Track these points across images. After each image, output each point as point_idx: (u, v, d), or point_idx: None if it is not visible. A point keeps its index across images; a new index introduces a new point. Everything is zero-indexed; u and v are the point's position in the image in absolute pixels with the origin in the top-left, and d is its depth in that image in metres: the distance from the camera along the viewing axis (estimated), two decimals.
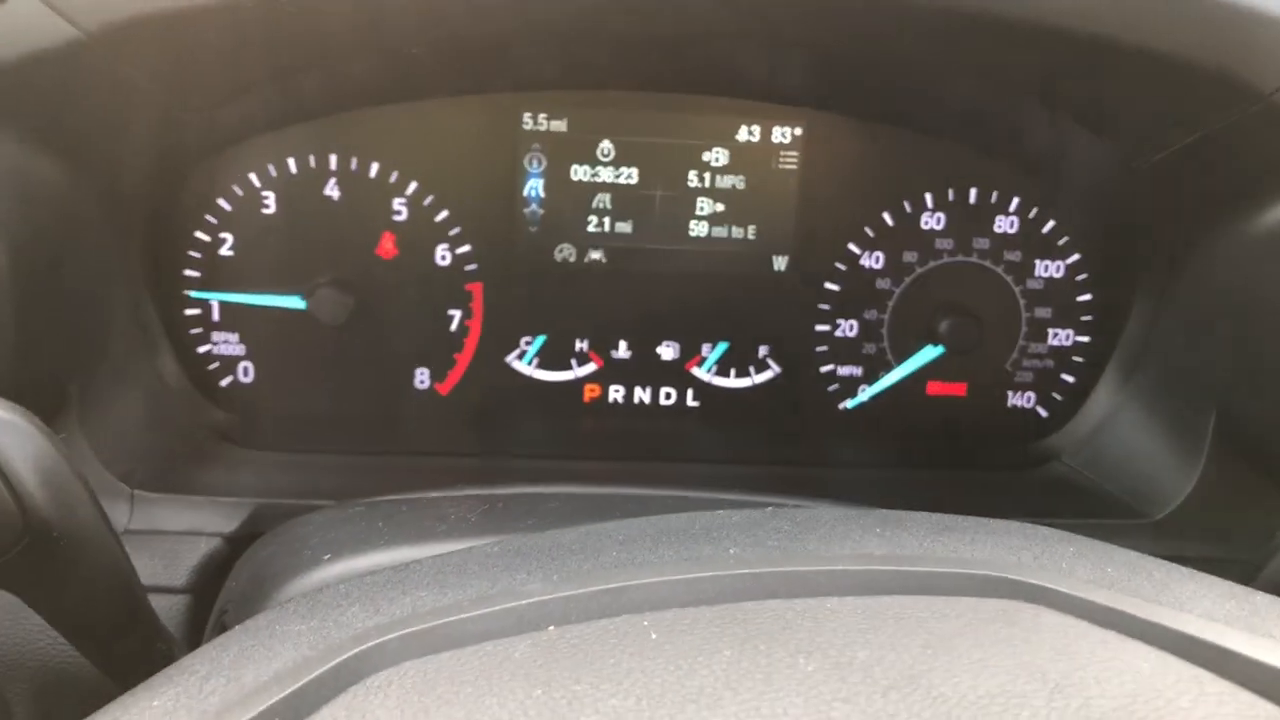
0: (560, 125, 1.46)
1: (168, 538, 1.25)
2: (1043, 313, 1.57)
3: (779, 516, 0.84)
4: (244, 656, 0.65)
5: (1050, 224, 1.54)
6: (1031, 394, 1.61)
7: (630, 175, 1.49)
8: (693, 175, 1.49)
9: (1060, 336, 1.58)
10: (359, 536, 0.99)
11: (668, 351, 1.57)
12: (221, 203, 1.44)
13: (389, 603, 0.71)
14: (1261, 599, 0.74)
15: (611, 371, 1.57)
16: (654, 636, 0.63)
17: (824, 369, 1.59)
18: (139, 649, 0.89)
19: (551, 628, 0.65)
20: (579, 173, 1.48)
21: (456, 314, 1.52)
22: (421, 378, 1.54)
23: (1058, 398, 1.61)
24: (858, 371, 1.59)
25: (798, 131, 1.48)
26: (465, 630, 0.66)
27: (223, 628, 1.00)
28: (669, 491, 1.13)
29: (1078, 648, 0.63)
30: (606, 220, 1.50)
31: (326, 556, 0.95)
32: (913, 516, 0.86)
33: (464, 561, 0.78)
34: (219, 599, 1.07)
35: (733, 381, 1.59)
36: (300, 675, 0.60)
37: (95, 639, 0.86)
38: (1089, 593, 0.71)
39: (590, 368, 1.57)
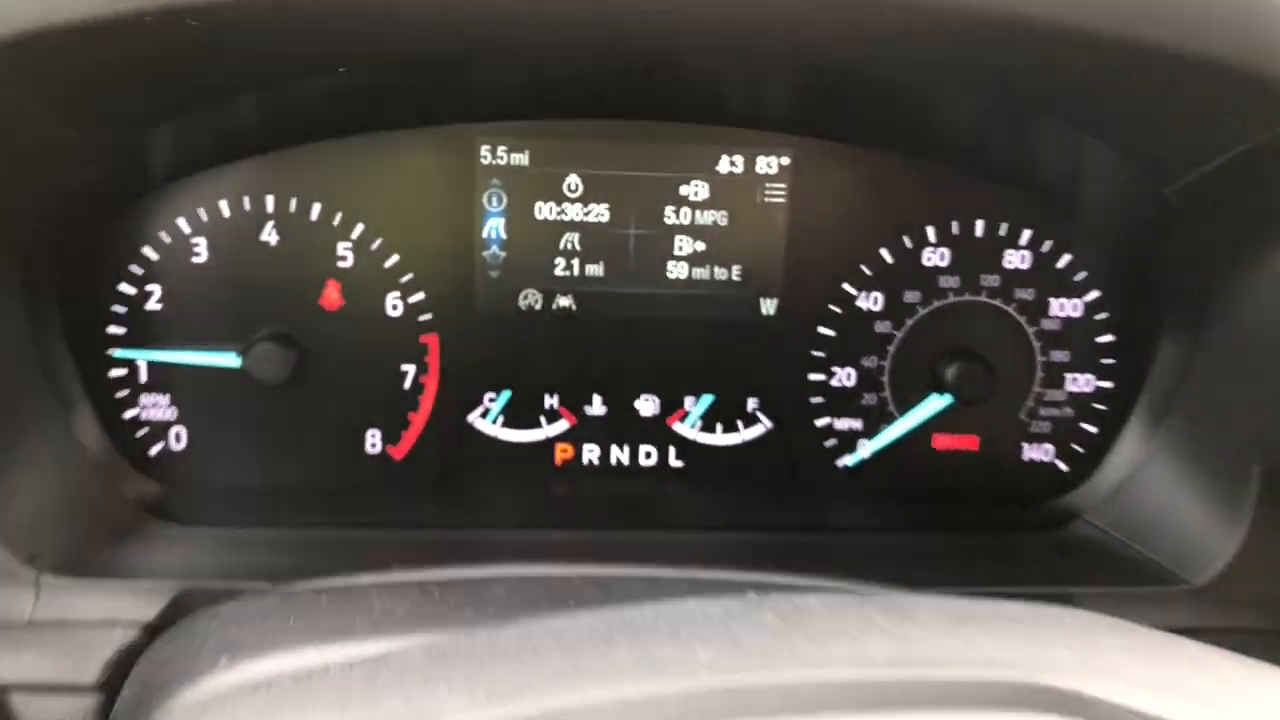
0: (522, 159, 1.39)
1: (78, 629, 1.13)
2: (1060, 356, 1.48)
3: (761, 607, 0.71)
4: None
5: (1066, 258, 1.45)
6: (1049, 446, 1.51)
7: (600, 213, 1.41)
8: (670, 211, 1.42)
9: (1080, 382, 1.49)
10: (265, 634, 0.85)
11: (647, 406, 1.48)
12: (147, 251, 1.36)
13: None
14: None
15: (585, 429, 1.48)
16: None
17: (819, 422, 1.49)
18: None
19: None
20: (544, 210, 1.41)
21: (410, 369, 1.43)
22: (373, 441, 1.45)
23: (1078, 450, 1.51)
24: (857, 425, 1.49)
25: (784, 161, 1.41)
26: None
27: None
28: (635, 570, 0.99)
29: None
30: (575, 262, 1.42)
31: (223, 660, 0.81)
32: (920, 603, 0.73)
33: (375, 672, 0.66)
34: (114, 708, 0.93)
35: (720, 438, 1.50)
36: None
37: None
38: (1151, 703, 0.57)
39: (561, 425, 1.48)
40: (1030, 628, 0.69)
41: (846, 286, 1.44)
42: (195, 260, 1.36)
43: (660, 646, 0.64)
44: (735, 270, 1.43)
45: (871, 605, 0.71)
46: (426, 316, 1.41)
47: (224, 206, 1.35)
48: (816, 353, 1.47)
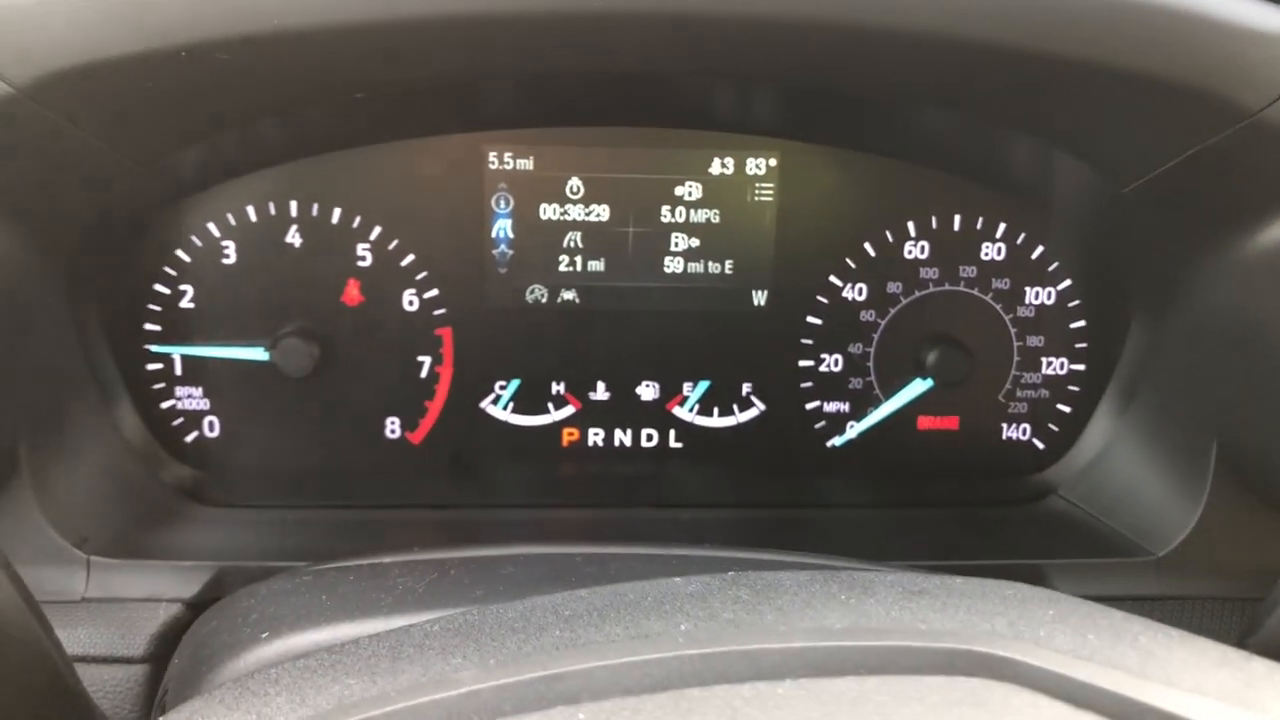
0: (527, 164, 1.44)
1: (125, 605, 1.23)
2: (1035, 341, 1.53)
3: (738, 584, 0.79)
4: None
5: (1039, 249, 1.51)
6: (1027, 425, 1.57)
7: (601, 212, 1.46)
8: (665, 210, 1.47)
9: (1054, 365, 1.54)
10: (300, 611, 0.95)
11: (648, 392, 1.54)
12: (180, 254, 1.42)
13: (316, 692, 0.69)
14: (1258, 666, 0.69)
15: (590, 414, 1.54)
16: None
17: (809, 406, 1.55)
18: None
19: None
20: (548, 211, 1.46)
21: (426, 360, 1.49)
22: (392, 427, 1.51)
23: (1054, 429, 1.57)
24: (845, 407, 1.55)
25: (773, 162, 1.46)
26: None
27: (163, 709, 0.96)
28: (631, 549, 1.08)
29: None
30: (578, 259, 1.48)
31: (264, 634, 0.91)
32: (881, 579, 0.81)
33: (399, 644, 0.75)
34: (165, 676, 1.03)
35: (716, 421, 1.56)
36: None
37: None
38: (1067, 667, 0.66)
39: (568, 410, 1.54)
40: (972, 600, 0.78)
41: (833, 278, 1.50)
42: (225, 262, 1.42)
43: (647, 620, 0.73)
44: (728, 264, 1.48)
45: (835, 581, 0.80)
46: (440, 311, 1.47)
47: (250, 212, 1.41)
48: (805, 340, 1.52)
